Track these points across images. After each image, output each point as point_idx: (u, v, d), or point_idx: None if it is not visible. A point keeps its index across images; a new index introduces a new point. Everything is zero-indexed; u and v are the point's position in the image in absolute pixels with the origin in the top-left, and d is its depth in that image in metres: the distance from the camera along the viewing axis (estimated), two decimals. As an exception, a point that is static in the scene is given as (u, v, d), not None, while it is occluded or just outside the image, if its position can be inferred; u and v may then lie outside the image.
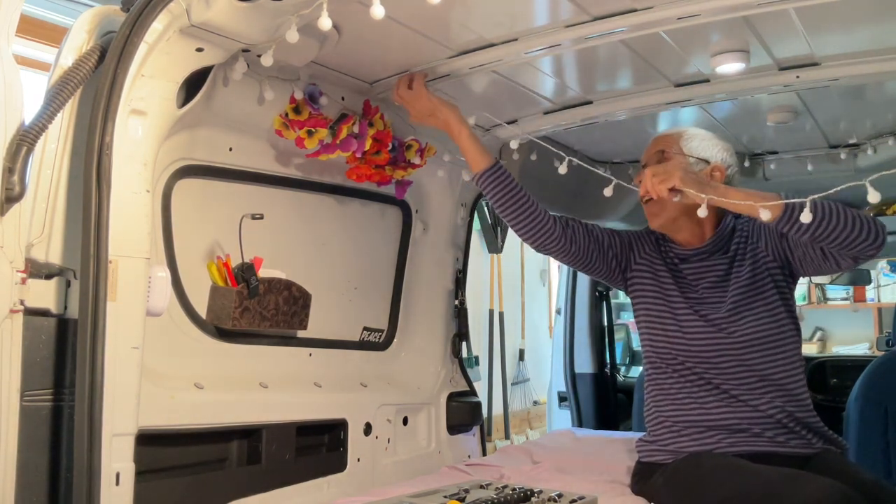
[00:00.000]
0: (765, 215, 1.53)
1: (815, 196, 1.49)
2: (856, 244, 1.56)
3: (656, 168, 1.69)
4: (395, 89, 1.88)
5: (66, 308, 1.33)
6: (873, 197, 1.39)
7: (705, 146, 1.89)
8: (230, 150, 1.81)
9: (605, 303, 3.71)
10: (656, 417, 1.89)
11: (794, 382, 1.79)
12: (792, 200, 1.53)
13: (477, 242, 5.58)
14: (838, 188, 1.45)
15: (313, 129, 1.80)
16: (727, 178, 1.88)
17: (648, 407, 1.93)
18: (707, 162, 1.87)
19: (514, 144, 1.88)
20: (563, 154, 1.89)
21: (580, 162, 1.89)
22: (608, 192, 1.76)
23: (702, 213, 1.60)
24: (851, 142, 2.56)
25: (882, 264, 5.64)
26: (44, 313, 1.30)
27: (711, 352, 1.81)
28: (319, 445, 2.04)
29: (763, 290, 1.83)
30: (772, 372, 1.78)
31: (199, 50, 1.43)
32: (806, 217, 1.48)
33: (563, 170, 1.87)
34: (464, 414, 2.47)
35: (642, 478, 1.83)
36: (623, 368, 4.20)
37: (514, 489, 1.58)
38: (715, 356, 1.80)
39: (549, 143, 2.54)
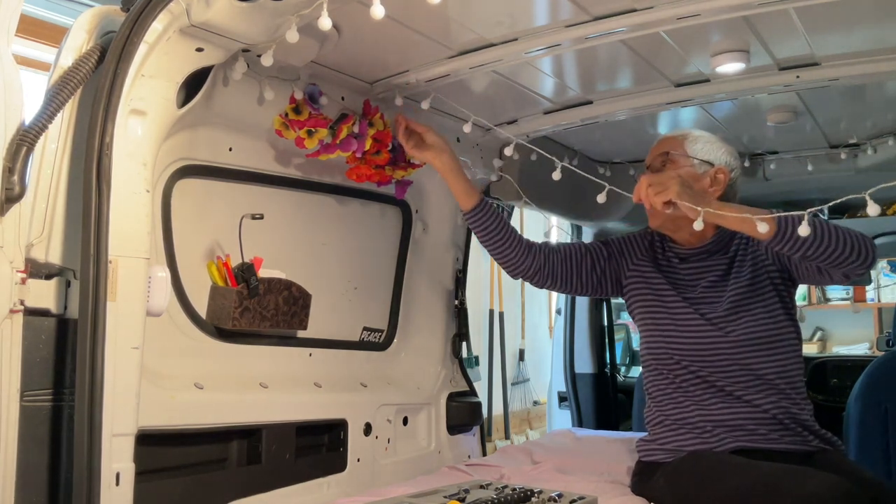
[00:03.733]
0: (762, 228, 1.53)
1: (812, 210, 1.47)
2: (846, 262, 1.58)
3: (653, 178, 1.68)
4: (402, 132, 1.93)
5: (66, 308, 1.32)
6: (872, 210, 1.37)
7: (710, 149, 1.90)
8: (230, 150, 1.81)
9: (605, 303, 3.71)
10: (656, 416, 1.90)
11: (790, 384, 1.79)
12: (785, 213, 1.53)
13: (477, 242, 5.57)
14: (839, 200, 1.44)
15: (313, 129, 1.79)
16: (731, 181, 1.89)
17: (648, 406, 1.95)
18: (711, 164, 1.88)
19: (496, 163, 1.92)
20: (555, 158, 1.90)
21: (573, 167, 1.89)
22: (601, 198, 1.77)
23: (697, 226, 1.59)
24: (851, 142, 2.56)
25: (882, 264, 5.64)
26: (44, 313, 1.30)
27: (707, 350, 1.81)
28: (319, 445, 2.04)
29: (762, 292, 1.83)
30: (766, 372, 1.78)
31: (199, 50, 1.43)
32: (804, 230, 1.46)
33: (556, 176, 1.88)
34: (464, 414, 2.47)
35: (643, 478, 1.84)
36: (623, 368, 4.19)
37: (514, 489, 1.58)
38: (710, 354, 1.81)
39: (549, 143, 2.54)
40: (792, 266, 1.80)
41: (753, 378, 1.78)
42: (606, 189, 1.77)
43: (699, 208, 1.58)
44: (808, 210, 1.46)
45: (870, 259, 1.59)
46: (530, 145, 2.04)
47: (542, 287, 2.07)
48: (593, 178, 1.82)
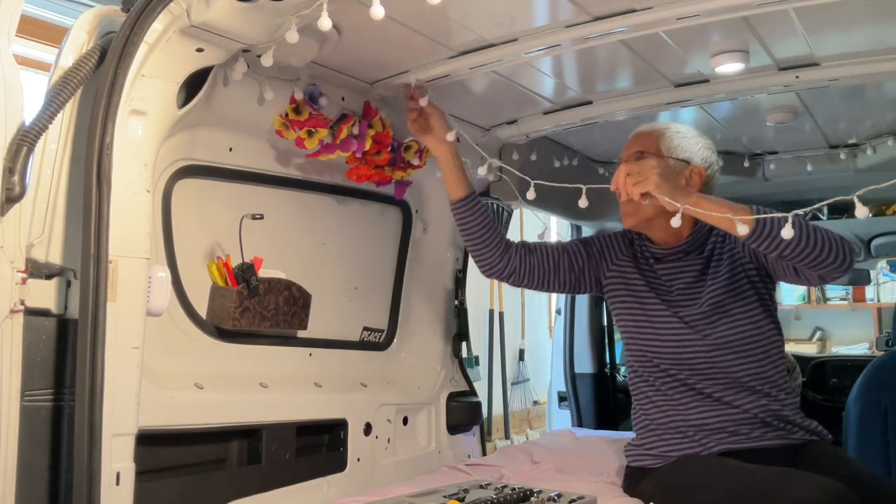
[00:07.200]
0: (742, 231, 1.51)
1: (797, 212, 1.46)
2: (823, 265, 1.56)
3: (633, 167, 1.64)
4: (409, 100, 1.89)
5: (66, 308, 1.33)
6: (861, 212, 1.36)
7: (685, 146, 1.83)
8: (230, 150, 1.81)
9: (604, 303, 3.71)
10: (641, 420, 1.88)
11: (770, 382, 1.77)
12: (765, 216, 1.51)
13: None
14: (827, 201, 1.43)
15: (313, 130, 1.80)
16: (706, 179, 1.83)
17: (634, 410, 1.92)
18: (687, 163, 1.82)
19: (482, 171, 1.92)
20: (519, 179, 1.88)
21: (569, 164, 1.88)
22: (583, 203, 1.74)
23: (675, 222, 1.56)
24: (851, 142, 2.56)
25: (882, 264, 5.64)
26: (44, 313, 1.30)
27: (685, 353, 1.79)
28: (319, 445, 2.04)
29: (740, 292, 1.80)
30: (743, 375, 1.76)
31: (200, 50, 1.43)
32: (787, 233, 1.45)
33: (530, 194, 1.83)
34: (464, 414, 2.47)
35: (633, 482, 1.83)
36: (623, 368, 4.19)
37: (513, 489, 1.58)
38: (688, 357, 1.79)
39: (549, 144, 2.55)
40: (769, 264, 1.76)
41: (731, 381, 1.76)
42: (584, 190, 1.73)
43: (678, 204, 1.56)
44: (793, 212, 1.45)
45: (847, 263, 1.56)
46: (522, 148, 2.03)
47: (518, 286, 2.05)
48: (566, 186, 1.78)
